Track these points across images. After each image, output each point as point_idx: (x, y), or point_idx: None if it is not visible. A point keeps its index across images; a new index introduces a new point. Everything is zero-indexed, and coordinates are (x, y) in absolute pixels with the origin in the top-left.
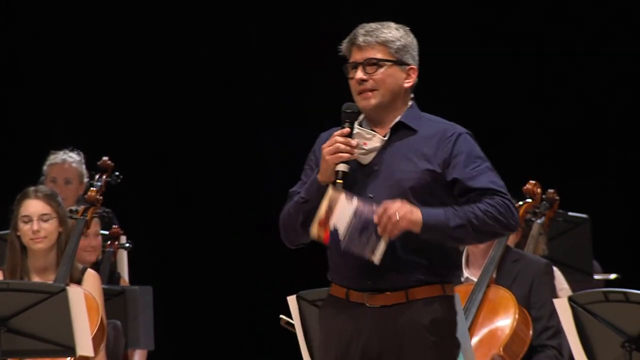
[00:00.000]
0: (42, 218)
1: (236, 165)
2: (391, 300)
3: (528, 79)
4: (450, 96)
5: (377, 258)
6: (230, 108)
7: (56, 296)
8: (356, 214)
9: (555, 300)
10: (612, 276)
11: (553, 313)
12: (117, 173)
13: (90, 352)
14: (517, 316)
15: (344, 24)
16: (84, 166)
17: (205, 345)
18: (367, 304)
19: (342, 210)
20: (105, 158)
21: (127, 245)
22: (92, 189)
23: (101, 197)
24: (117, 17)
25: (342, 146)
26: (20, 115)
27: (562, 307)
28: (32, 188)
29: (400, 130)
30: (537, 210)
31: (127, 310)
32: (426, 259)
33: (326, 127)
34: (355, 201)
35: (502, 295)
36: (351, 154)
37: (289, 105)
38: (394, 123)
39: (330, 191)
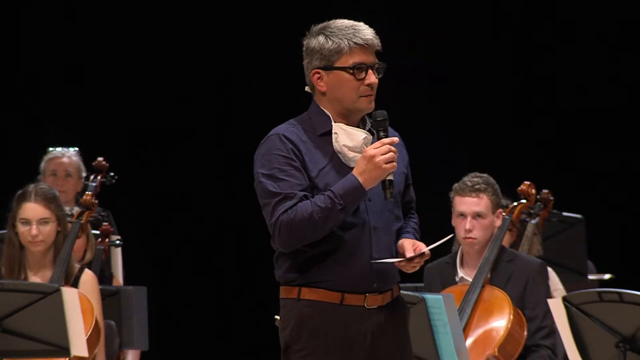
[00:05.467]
0: (41, 222)
1: (233, 165)
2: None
3: (524, 78)
4: (449, 95)
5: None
6: (228, 108)
7: (50, 296)
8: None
9: (549, 301)
10: (607, 276)
11: (547, 313)
12: (111, 173)
13: (84, 353)
14: (511, 317)
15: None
16: (81, 162)
17: (199, 346)
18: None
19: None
20: (100, 159)
21: (118, 242)
22: (87, 192)
23: (96, 201)
24: (114, 18)
25: (395, 155)
26: (16, 116)
27: (557, 307)
28: (31, 189)
29: None
30: (531, 211)
31: (122, 310)
32: None
33: None
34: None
35: (497, 295)
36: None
37: (285, 105)
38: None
39: None
